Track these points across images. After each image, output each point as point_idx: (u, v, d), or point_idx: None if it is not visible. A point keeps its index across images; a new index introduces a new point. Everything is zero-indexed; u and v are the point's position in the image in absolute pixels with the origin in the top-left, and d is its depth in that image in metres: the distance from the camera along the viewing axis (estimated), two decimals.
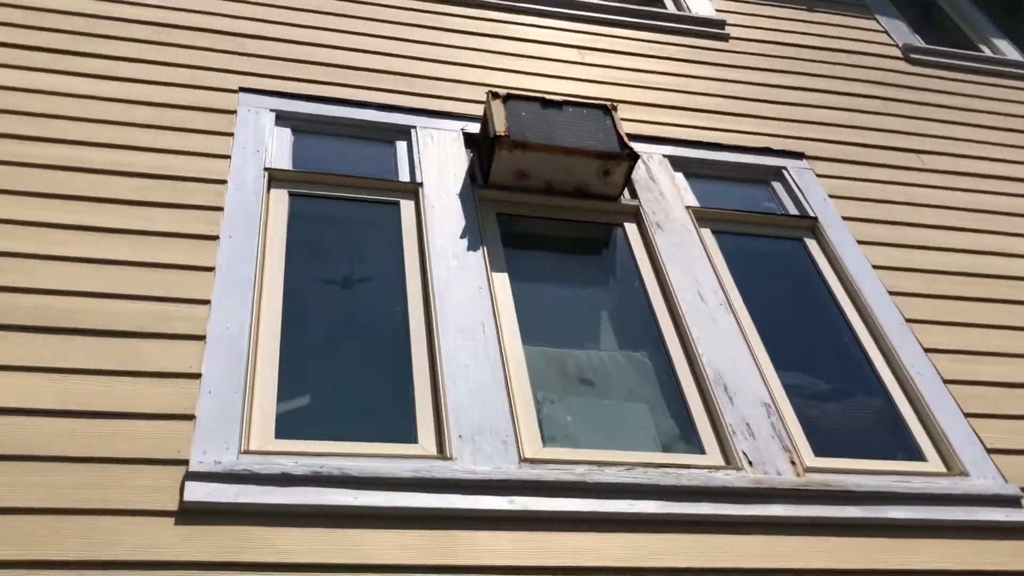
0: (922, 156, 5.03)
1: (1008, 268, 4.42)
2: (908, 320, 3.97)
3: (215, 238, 3.45)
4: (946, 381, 3.74)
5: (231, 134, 3.93)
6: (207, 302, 3.22)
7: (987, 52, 6.27)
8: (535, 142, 3.97)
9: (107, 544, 2.52)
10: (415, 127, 4.26)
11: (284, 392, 3.07)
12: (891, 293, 4.08)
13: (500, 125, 3.99)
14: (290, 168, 3.89)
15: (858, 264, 4.18)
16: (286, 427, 2.97)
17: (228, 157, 3.82)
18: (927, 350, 3.85)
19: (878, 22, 6.19)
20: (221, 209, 3.58)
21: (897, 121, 5.26)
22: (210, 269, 3.33)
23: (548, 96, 4.27)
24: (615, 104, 4.28)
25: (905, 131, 5.19)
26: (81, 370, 2.91)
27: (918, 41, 6.07)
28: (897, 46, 5.98)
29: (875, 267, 4.21)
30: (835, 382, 3.76)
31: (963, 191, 4.85)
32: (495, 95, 4.12)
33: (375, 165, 4.08)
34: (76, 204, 3.43)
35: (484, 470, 2.91)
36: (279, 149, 3.98)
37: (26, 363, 2.90)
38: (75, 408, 2.81)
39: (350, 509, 2.74)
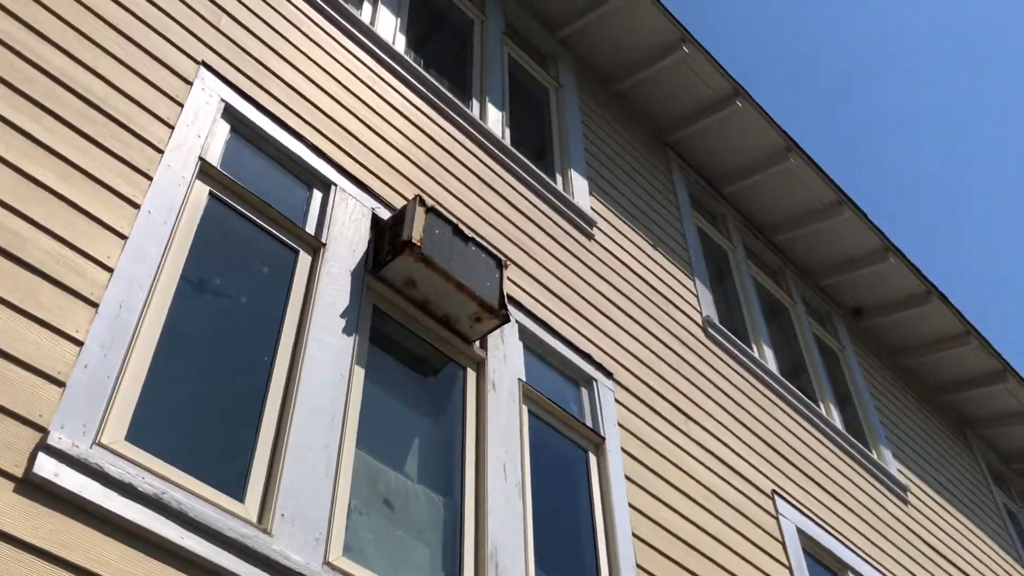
0: (690, 423, 5.74)
1: (720, 557, 5.11)
2: (638, 565, 4.50)
3: (136, 206, 3.35)
4: None
5: (180, 104, 3.84)
6: (110, 270, 3.11)
7: (756, 354, 7.26)
8: (439, 264, 4.19)
9: None
10: (336, 185, 4.34)
11: (144, 395, 3.01)
12: (634, 535, 4.61)
13: (417, 232, 4.18)
14: (219, 167, 3.85)
15: (619, 497, 4.69)
16: (137, 432, 2.91)
17: (171, 127, 3.72)
18: None
19: (695, 284, 7.02)
20: (150, 179, 3.48)
21: (682, 381, 5.97)
22: (123, 237, 3.23)
23: (461, 225, 4.51)
24: (507, 263, 4.61)
25: (684, 393, 5.90)
26: None
27: (715, 318, 6.93)
28: (700, 314, 6.80)
29: (630, 505, 4.73)
30: None
31: (712, 472, 5.57)
32: (422, 202, 4.31)
33: (289, 202, 4.11)
34: (24, 104, 3.22)
35: (297, 560, 3.00)
36: (215, 143, 3.93)
37: None
38: None
39: (173, 546, 2.73)
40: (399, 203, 4.61)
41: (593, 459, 4.78)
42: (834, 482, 6.91)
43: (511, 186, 5.71)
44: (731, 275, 7.99)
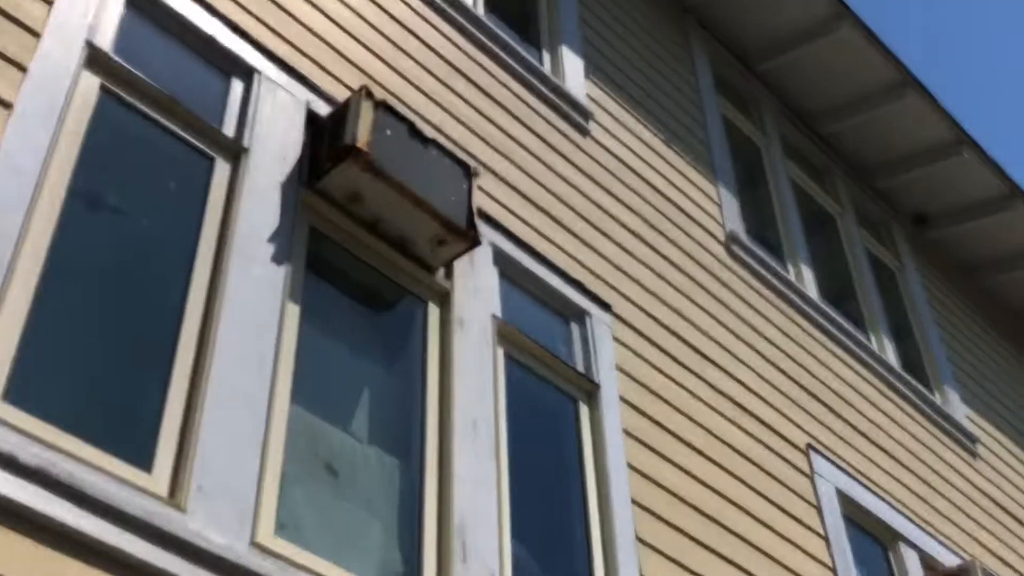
0: (706, 364, 5.86)
1: (740, 525, 5.28)
2: (639, 538, 4.66)
3: (7, 106, 3.38)
4: None
5: None
6: None
7: (792, 276, 7.36)
8: (392, 175, 4.24)
9: None
10: (260, 72, 4.36)
11: (25, 344, 3.09)
12: (634, 501, 4.76)
13: (363, 135, 4.22)
14: (111, 53, 3.85)
15: (616, 456, 4.83)
16: (18, 390, 2.99)
17: (50, 4, 3.72)
18: None
19: (717, 192, 7.08)
20: (24, 70, 3.50)
21: (697, 312, 6.08)
22: None
23: (418, 125, 4.55)
24: (477, 169, 4.66)
25: (700, 327, 6.01)
26: None
27: (742, 233, 7.02)
28: (723, 228, 6.88)
29: (630, 465, 4.88)
30: (555, 575, 4.33)
31: (732, 424, 5.72)
32: (369, 95, 4.34)
33: (201, 97, 4.13)
34: None
35: (219, 543, 3.12)
36: (107, 22, 3.92)
37: None
38: None
39: (66, 529, 2.83)
40: (343, 96, 4.64)
41: (585, 411, 4.90)
42: (885, 432, 7.09)
43: (485, 70, 5.72)
44: (764, 177, 8.06)
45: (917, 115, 8.74)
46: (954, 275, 9.76)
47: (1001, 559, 7.44)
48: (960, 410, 8.27)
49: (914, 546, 6.59)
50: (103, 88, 3.76)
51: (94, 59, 3.78)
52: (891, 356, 7.97)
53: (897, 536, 6.52)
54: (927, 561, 6.68)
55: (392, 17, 5.29)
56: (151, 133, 3.86)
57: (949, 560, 6.81)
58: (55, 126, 3.47)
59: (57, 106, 3.51)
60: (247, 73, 4.34)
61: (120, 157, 3.72)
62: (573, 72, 6.42)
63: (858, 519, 6.37)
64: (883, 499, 6.58)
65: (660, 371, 5.50)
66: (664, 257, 6.13)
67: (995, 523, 7.70)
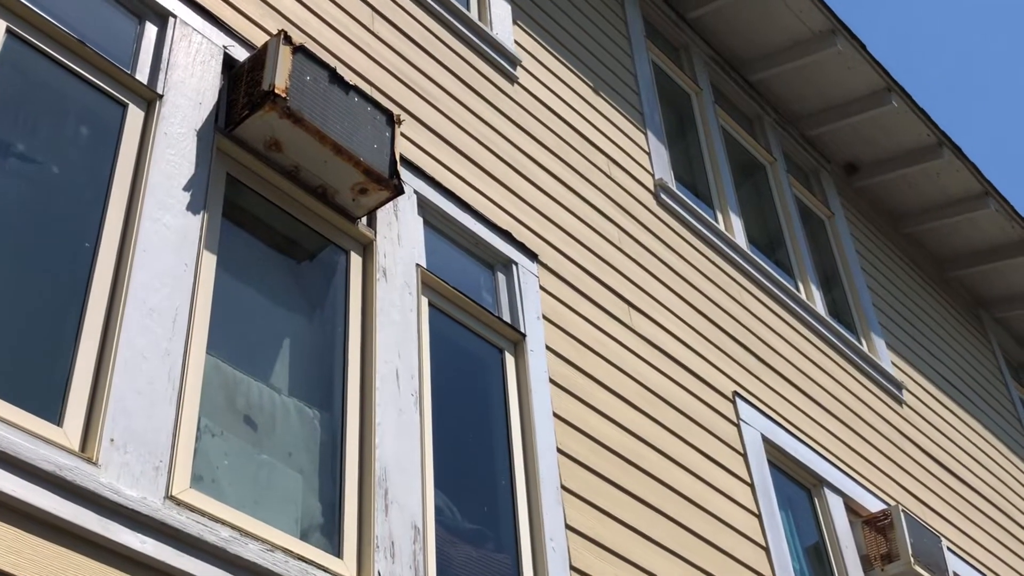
0: (633, 312, 5.90)
1: (666, 473, 5.35)
2: (563, 487, 4.70)
3: None
4: (572, 567, 4.49)
5: None
6: None
7: (721, 225, 7.42)
8: (310, 121, 4.19)
9: None
10: (175, 16, 4.27)
11: None
12: (559, 450, 4.80)
13: (281, 80, 4.16)
14: None
15: (542, 404, 4.86)
16: None
17: None
18: (568, 526, 4.59)
19: (647, 140, 7.10)
20: None
21: (624, 261, 6.11)
22: None
23: (339, 70, 4.49)
24: (400, 116, 4.62)
25: (628, 275, 6.05)
26: None
27: (671, 181, 7.04)
28: (652, 176, 6.91)
29: (556, 414, 4.91)
30: (478, 524, 4.36)
31: (659, 372, 5.77)
32: (288, 39, 4.27)
33: (113, 42, 4.04)
34: None
35: (132, 496, 3.09)
36: None
37: None
38: None
39: None
40: (261, 40, 4.57)
41: (511, 361, 4.92)
42: (811, 380, 7.20)
43: (410, 15, 5.66)
44: (694, 126, 8.08)
45: (847, 62, 8.80)
46: (881, 223, 9.90)
47: (924, 504, 7.62)
48: (886, 357, 8.42)
49: (839, 492, 6.72)
50: (9, 31, 3.67)
51: None
52: (818, 304, 8.07)
53: (822, 482, 6.64)
54: (851, 506, 6.81)
55: None
56: (60, 78, 3.77)
57: (873, 505, 6.95)
58: None
59: None
60: (161, 17, 4.25)
61: (28, 103, 3.64)
62: (500, 18, 6.37)
63: (783, 465, 6.48)
64: (808, 446, 6.69)
65: (587, 320, 5.53)
66: (592, 206, 6.14)
67: (919, 468, 7.87)
